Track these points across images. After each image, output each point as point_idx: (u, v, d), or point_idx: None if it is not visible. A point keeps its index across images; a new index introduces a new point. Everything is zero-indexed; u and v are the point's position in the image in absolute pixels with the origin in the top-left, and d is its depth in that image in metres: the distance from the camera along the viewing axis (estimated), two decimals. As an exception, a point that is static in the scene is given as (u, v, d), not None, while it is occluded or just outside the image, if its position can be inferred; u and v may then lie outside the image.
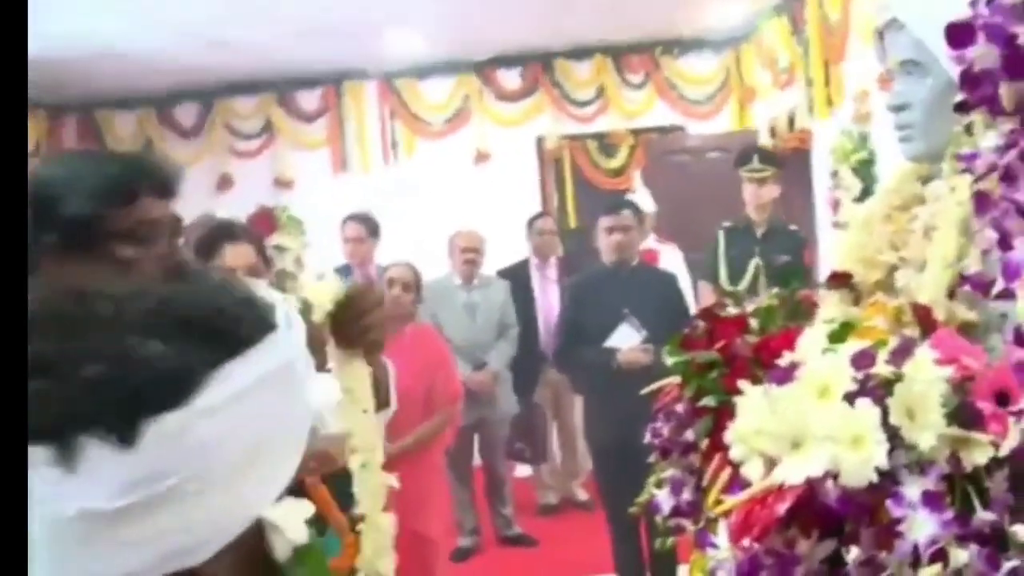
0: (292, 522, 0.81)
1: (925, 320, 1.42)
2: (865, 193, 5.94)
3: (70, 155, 1.78)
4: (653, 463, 1.74)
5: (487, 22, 7.85)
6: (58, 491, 0.68)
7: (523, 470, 7.38)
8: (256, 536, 0.79)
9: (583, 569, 5.77)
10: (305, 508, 0.83)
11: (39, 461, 0.69)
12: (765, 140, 8.00)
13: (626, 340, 4.92)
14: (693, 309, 5.31)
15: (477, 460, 6.65)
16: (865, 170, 6.14)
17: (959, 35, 1.49)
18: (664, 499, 1.68)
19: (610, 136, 9.21)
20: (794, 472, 1.14)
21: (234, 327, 0.77)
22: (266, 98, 9.21)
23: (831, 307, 1.82)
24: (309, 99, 9.28)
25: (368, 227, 6.91)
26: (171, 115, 9.34)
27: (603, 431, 5.03)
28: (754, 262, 5.88)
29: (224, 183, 9.06)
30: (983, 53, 1.46)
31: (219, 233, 3.15)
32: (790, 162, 7.19)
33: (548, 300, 7.09)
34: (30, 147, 8.68)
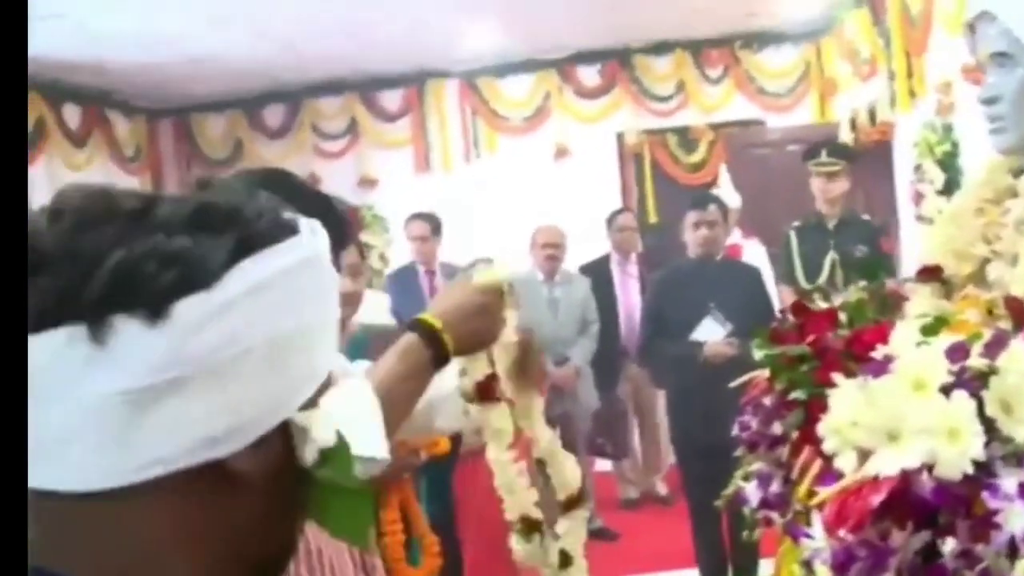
0: (319, 424, 0.80)
1: (1018, 313, 1.41)
2: (949, 185, 5.85)
3: (259, 176, 1.75)
4: (740, 456, 1.75)
5: (566, 19, 7.87)
6: (87, 370, 0.70)
7: (605, 464, 7.39)
8: (287, 442, 0.79)
9: (664, 562, 5.79)
10: (333, 409, 0.82)
11: (68, 341, 0.70)
12: (846, 133, 7.90)
13: (711, 334, 4.92)
14: (776, 304, 5.28)
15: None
16: (949, 162, 6.03)
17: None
18: (752, 492, 1.68)
19: (690, 131, 9.16)
20: (889, 464, 1.15)
21: (255, 226, 0.78)
22: (350, 98, 9.33)
23: (922, 300, 1.81)
24: (392, 99, 9.37)
25: (432, 225, 6.94)
26: (259, 117, 9.52)
27: (687, 425, 5.04)
28: (829, 257, 5.80)
29: (311, 182, 9.10)
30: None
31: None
32: (872, 155, 7.09)
33: (629, 296, 7.10)
34: (131, 151, 8.99)
